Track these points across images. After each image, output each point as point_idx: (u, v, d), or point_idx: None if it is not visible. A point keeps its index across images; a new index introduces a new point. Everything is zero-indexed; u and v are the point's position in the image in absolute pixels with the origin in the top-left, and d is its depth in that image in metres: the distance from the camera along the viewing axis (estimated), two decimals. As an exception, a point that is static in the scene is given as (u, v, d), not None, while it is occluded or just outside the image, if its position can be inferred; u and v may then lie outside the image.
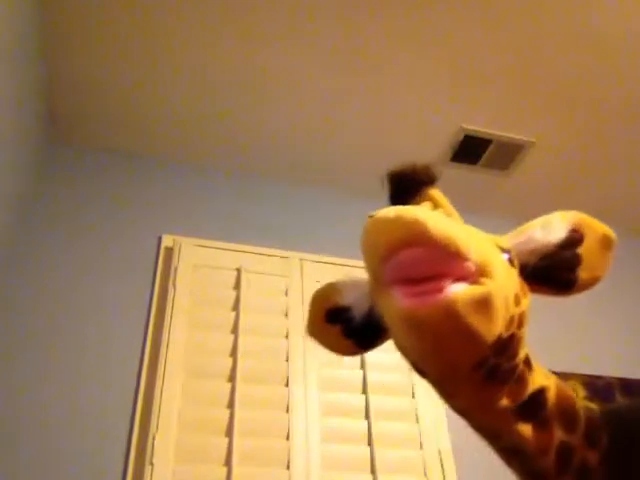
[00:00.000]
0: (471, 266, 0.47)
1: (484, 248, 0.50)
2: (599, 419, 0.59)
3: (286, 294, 2.04)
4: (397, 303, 0.47)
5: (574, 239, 0.61)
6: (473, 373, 0.50)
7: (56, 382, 1.69)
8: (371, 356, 1.96)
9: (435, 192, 0.62)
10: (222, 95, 2.08)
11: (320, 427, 1.77)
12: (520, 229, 0.62)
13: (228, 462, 1.62)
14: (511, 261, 0.55)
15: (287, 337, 1.93)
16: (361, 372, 1.92)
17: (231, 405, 1.72)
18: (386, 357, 1.98)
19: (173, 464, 1.59)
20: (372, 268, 0.50)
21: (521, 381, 0.56)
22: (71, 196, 2.10)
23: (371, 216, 0.49)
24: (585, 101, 2.15)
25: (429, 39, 1.91)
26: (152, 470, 1.56)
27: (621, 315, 2.54)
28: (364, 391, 1.88)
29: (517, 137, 2.27)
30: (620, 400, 2.17)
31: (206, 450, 1.64)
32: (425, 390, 1.95)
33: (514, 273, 0.54)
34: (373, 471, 1.72)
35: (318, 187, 2.49)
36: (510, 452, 0.58)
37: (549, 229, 0.61)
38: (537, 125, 2.23)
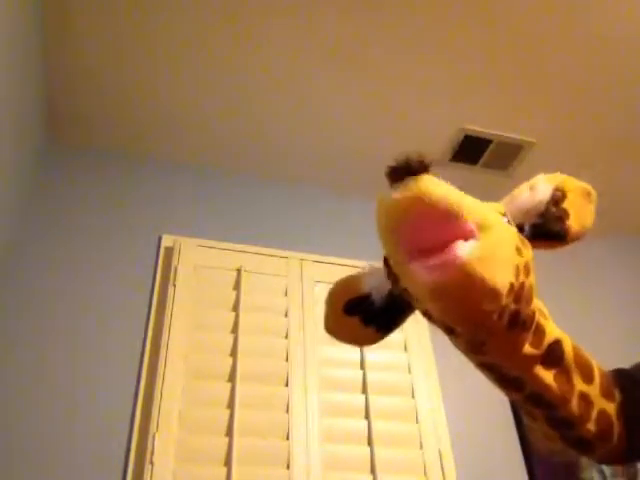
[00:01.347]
0: (470, 224, 0.52)
1: (478, 206, 0.55)
2: (610, 376, 0.65)
3: (286, 294, 2.04)
4: (420, 279, 0.52)
5: (558, 196, 0.68)
6: (497, 322, 0.56)
7: (55, 382, 1.69)
8: (371, 356, 1.96)
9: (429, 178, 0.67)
10: (222, 95, 2.08)
11: (320, 427, 1.77)
12: (511, 194, 0.70)
13: (228, 462, 1.62)
14: (509, 222, 0.61)
15: (287, 337, 1.93)
16: (361, 372, 1.92)
17: (231, 405, 1.72)
18: (386, 357, 1.98)
19: (173, 464, 1.59)
20: (390, 252, 0.56)
21: (539, 330, 0.62)
22: (71, 196, 2.10)
23: (380, 200, 0.56)
24: (585, 101, 2.15)
25: (429, 40, 1.92)
26: (152, 470, 1.56)
27: (621, 315, 2.54)
28: (364, 391, 1.88)
29: (517, 137, 2.27)
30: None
31: (206, 450, 1.64)
32: (425, 390, 1.96)
33: (511, 228, 0.60)
34: (373, 471, 1.72)
35: (318, 187, 2.49)
36: (534, 401, 0.62)
37: (536, 191, 0.69)
38: (537, 125, 2.23)
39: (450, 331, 0.60)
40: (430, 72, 2.02)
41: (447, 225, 0.52)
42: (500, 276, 0.52)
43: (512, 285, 0.54)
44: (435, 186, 0.52)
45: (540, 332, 0.62)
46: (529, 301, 0.59)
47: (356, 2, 1.80)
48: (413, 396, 1.93)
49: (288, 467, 1.67)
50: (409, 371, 1.98)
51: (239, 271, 2.03)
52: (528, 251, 0.60)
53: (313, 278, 2.11)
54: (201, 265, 2.01)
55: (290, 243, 2.23)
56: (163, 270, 1.99)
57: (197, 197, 2.26)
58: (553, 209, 0.67)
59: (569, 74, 2.05)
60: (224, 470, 1.60)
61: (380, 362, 1.96)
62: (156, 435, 1.62)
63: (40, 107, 1.99)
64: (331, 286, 0.76)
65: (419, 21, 1.86)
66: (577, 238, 0.68)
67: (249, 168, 2.39)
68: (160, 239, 2.07)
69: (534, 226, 0.66)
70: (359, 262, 2.24)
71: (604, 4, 1.82)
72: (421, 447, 1.82)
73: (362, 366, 1.94)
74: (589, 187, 0.72)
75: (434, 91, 2.09)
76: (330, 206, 2.45)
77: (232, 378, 1.77)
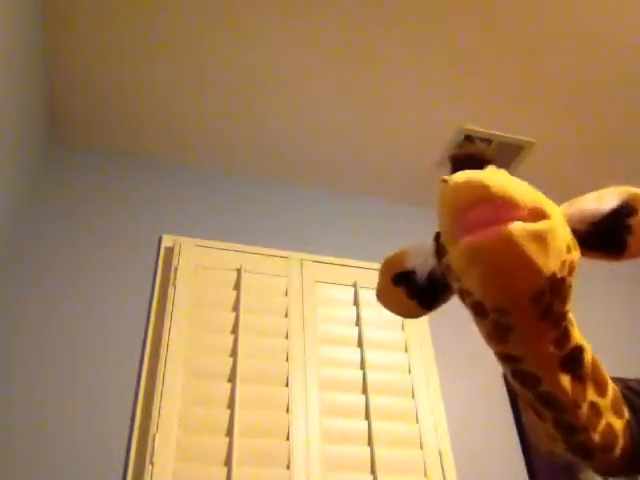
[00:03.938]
0: (528, 212, 0.53)
1: (541, 197, 0.56)
2: (620, 392, 0.66)
3: (286, 294, 2.04)
4: (462, 243, 0.53)
5: (626, 210, 0.64)
6: (530, 306, 0.56)
7: (55, 382, 1.69)
8: (371, 356, 1.96)
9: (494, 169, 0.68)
10: (222, 95, 2.08)
11: (320, 427, 1.77)
12: (573, 200, 0.67)
13: (228, 462, 1.62)
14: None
15: (287, 337, 1.93)
16: (361, 372, 1.92)
17: (231, 405, 1.72)
18: (386, 357, 1.98)
19: (173, 464, 1.59)
20: (446, 228, 0.57)
21: (566, 332, 0.61)
22: (71, 196, 2.10)
23: (444, 180, 0.57)
24: (585, 101, 2.15)
25: (429, 39, 1.92)
26: (152, 470, 1.56)
27: (621, 315, 2.54)
28: (364, 391, 1.88)
29: (517, 137, 2.27)
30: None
31: (206, 450, 1.64)
32: (425, 390, 1.96)
33: (567, 227, 0.60)
34: (373, 471, 1.72)
35: (318, 187, 2.49)
36: (545, 401, 0.63)
37: (601, 200, 0.65)
38: (537, 125, 2.23)
39: (480, 311, 0.60)
40: (430, 72, 2.02)
41: (507, 210, 0.53)
42: (545, 260, 0.53)
43: (554, 275, 0.55)
44: (502, 177, 0.54)
45: (566, 335, 0.62)
46: (565, 300, 0.59)
47: (356, 3, 1.80)
48: (413, 396, 1.93)
49: (288, 467, 1.67)
50: (409, 371, 1.98)
51: (239, 271, 2.03)
52: (577, 253, 0.60)
53: (313, 278, 2.11)
54: (201, 265, 2.01)
55: (290, 243, 2.23)
56: (163, 270, 1.99)
57: (197, 197, 2.26)
58: (615, 221, 0.64)
59: (569, 74, 2.05)
60: (224, 470, 1.60)
61: (380, 362, 1.96)
62: (156, 435, 1.62)
63: (41, 107, 1.99)
64: (386, 256, 0.79)
65: (419, 21, 1.86)
66: (634, 257, 0.65)
67: (249, 168, 2.39)
68: (160, 239, 2.08)
69: (591, 234, 0.64)
70: (359, 262, 2.24)
71: (604, 4, 1.82)
72: (421, 447, 1.82)
73: (362, 366, 1.94)
74: None
75: (434, 91, 2.09)
76: (330, 206, 2.45)
77: (232, 378, 1.78)
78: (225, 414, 1.70)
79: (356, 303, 2.09)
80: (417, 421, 1.87)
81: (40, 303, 1.82)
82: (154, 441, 1.61)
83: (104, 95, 2.06)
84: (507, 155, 2.33)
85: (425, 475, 1.77)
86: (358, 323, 2.04)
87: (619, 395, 0.66)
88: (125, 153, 2.29)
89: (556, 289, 0.56)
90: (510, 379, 0.65)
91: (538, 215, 0.54)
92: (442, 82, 2.06)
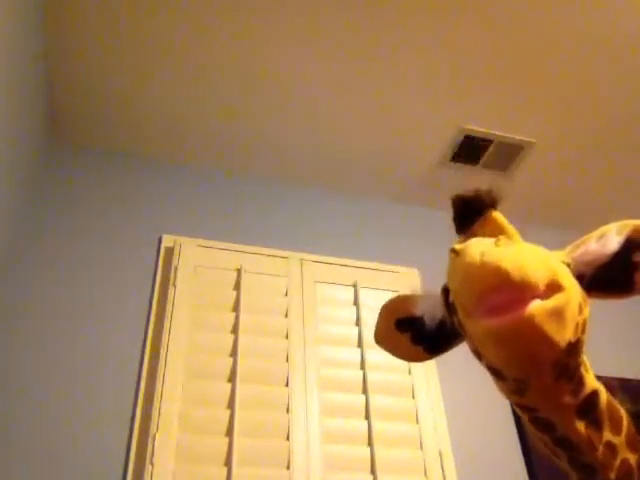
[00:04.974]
0: (544, 287, 0.56)
1: (553, 267, 0.59)
2: (636, 426, 0.69)
3: (286, 294, 2.04)
4: (485, 324, 0.56)
5: (630, 246, 0.65)
6: (548, 373, 0.59)
7: (55, 382, 1.68)
8: (371, 356, 1.96)
9: (497, 215, 0.70)
10: (222, 95, 2.08)
11: (320, 427, 1.77)
12: (577, 242, 0.69)
13: (228, 462, 1.62)
14: (570, 271, 0.63)
15: (287, 337, 1.93)
16: (361, 372, 1.92)
17: (231, 405, 1.72)
18: (386, 357, 1.98)
19: (173, 464, 1.59)
20: (463, 302, 0.60)
21: (580, 381, 0.64)
22: (71, 196, 2.10)
23: (454, 251, 0.60)
24: (585, 102, 2.15)
25: (429, 40, 1.92)
26: (152, 470, 1.56)
27: (621, 315, 2.54)
28: (364, 391, 1.88)
29: (517, 137, 2.27)
30: (620, 400, 2.17)
31: (206, 450, 1.64)
32: (425, 390, 1.95)
33: (577, 286, 0.62)
34: (373, 471, 1.72)
35: (318, 187, 2.49)
36: (561, 444, 0.66)
37: (604, 240, 0.67)
38: (537, 125, 2.23)
39: (499, 375, 0.62)
40: (430, 72, 2.02)
41: (525, 292, 0.55)
42: (562, 333, 0.56)
43: (570, 342, 0.58)
44: (515, 256, 0.56)
45: (581, 384, 0.64)
46: (579, 355, 0.62)
47: (357, 3, 1.80)
48: (413, 396, 1.93)
49: (288, 467, 1.67)
50: (409, 371, 1.98)
51: (239, 271, 2.03)
52: (587, 309, 0.63)
53: (313, 278, 2.11)
54: (201, 265, 2.01)
55: (290, 243, 2.23)
56: (163, 270, 1.99)
57: (197, 197, 2.26)
58: (620, 261, 0.66)
59: (569, 74, 2.05)
60: (224, 470, 1.60)
61: (380, 362, 1.96)
62: (156, 435, 1.62)
63: (41, 107, 1.99)
64: (386, 300, 0.81)
65: (419, 21, 1.86)
66: None
67: (249, 168, 2.39)
68: (160, 239, 2.08)
69: (597, 277, 0.66)
70: (359, 262, 2.24)
71: (604, 4, 1.82)
72: (421, 447, 1.82)
73: (362, 366, 1.93)
74: None
75: (434, 91, 2.09)
76: (330, 206, 2.45)
77: (232, 378, 1.77)
78: (225, 414, 1.70)
79: (356, 303, 2.09)
80: (417, 421, 1.87)
81: (40, 303, 1.82)
82: (154, 441, 1.61)
83: (104, 95, 2.06)
84: (507, 155, 2.33)
85: (425, 475, 1.77)
86: (358, 323, 2.04)
87: (633, 428, 0.68)
88: (125, 153, 2.29)
89: (572, 351, 0.59)
90: (527, 423, 0.67)
91: (554, 288, 0.57)
92: (442, 82, 2.06)
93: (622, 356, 2.38)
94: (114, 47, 1.90)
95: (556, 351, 0.56)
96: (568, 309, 0.57)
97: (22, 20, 1.61)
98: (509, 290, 0.55)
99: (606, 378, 2.24)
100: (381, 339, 0.79)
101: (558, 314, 0.56)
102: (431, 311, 0.74)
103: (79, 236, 2.01)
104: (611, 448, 0.64)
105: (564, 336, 0.56)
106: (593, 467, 0.64)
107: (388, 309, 0.79)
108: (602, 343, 2.40)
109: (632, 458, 0.66)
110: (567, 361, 0.59)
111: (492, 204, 0.70)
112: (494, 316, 0.55)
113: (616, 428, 0.66)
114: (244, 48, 1.92)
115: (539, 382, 0.60)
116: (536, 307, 0.54)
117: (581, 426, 0.63)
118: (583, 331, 0.61)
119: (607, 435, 0.65)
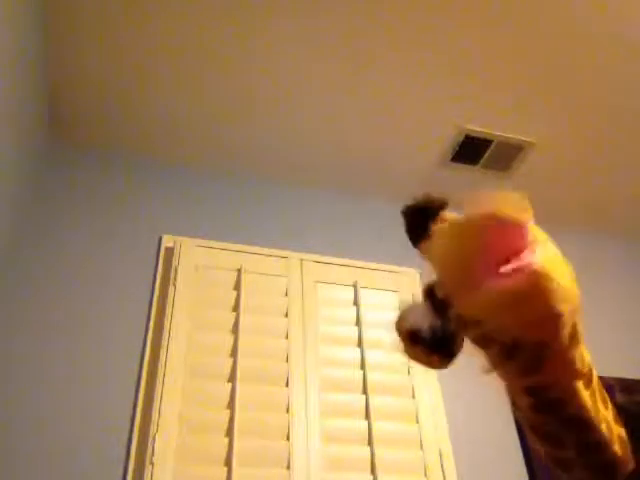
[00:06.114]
0: (531, 236, 0.56)
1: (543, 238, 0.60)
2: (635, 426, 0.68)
3: (286, 294, 2.04)
4: (499, 286, 0.55)
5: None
6: (564, 331, 0.59)
7: (55, 382, 1.68)
8: (371, 356, 1.96)
9: (449, 215, 0.70)
10: (222, 95, 2.08)
11: (320, 427, 1.77)
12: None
13: (228, 462, 1.62)
14: None
15: (287, 337, 1.93)
16: (361, 372, 1.92)
17: (231, 405, 1.72)
18: (386, 357, 1.98)
19: (173, 464, 1.59)
20: (464, 281, 0.59)
21: (584, 350, 0.64)
22: (71, 196, 2.10)
23: (445, 229, 0.60)
24: (585, 102, 2.15)
25: (430, 40, 1.92)
26: (152, 470, 1.56)
27: (621, 315, 2.54)
28: (364, 391, 1.88)
29: (517, 137, 2.27)
30: (621, 400, 2.17)
31: (206, 450, 1.64)
32: (425, 390, 1.95)
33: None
34: (373, 471, 1.72)
35: (318, 187, 2.49)
36: (570, 423, 0.64)
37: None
38: (537, 125, 2.23)
39: (511, 352, 0.61)
40: (430, 72, 2.02)
41: (516, 237, 0.55)
42: (566, 280, 0.57)
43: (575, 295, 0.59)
44: (499, 200, 0.57)
45: (585, 352, 0.65)
46: (580, 317, 0.63)
47: (357, 4, 1.80)
48: (413, 396, 1.93)
49: (288, 467, 1.67)
50: (409, 372, 1.98)
51: (239, 271, 2.03)
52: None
53: (313, 278, 2.11)
54: (201, 265, 2.01)
55: (290, 243, 2.23)
56: (163, 270, 1.99)
57: (197, 197, 2.26)
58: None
59: (569, 74, 2.05)
60: (224, 470, 1.60)
61: (380, 362, 1.96)
62: (156, 436, 1.62)
63: (41, 107, 1.99)
64: (396, 317, 0.81)
65: (420, 21, 1.86)
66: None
67: (249, 168, 2.39)
68: (160, 239, 2.08)
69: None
70: (359, 262, 2.24)
71: (605, 4, 1.82)
72: (421, 447, 1.82)
73: (362, 366, 1.93)
74: None
75: (434, 91, 2.09)
76: (330, 206, 2.45)
77: (232, 378, 1.78)
78: (225, 414, 1.70)
79: (356, 303, 2.09)
80: (417, 421, 1.87)
81: (40, 303, 1.82)
82: (154, 441, 1.61)
83: (104, 95, 2.06)
84: (507, 155, 2.33)
85: (425, 475, 1.77)
86: (358, 323, 2.03)
87: (615, 404, 0.69)
88: (125, 153, 2.29)
89: (575, 309, 0.60)
90: (529, 412, 0.65)
91: (535, 240, 0.57)
92: (442, 82, 2.06)
93: (622, 356, 2.38)
94: (114, 47, 1.90)
95: (571, 294, 0.56)
96: (557, 259, 0.58)
97: (23, 20, 1.61)
98: (510, 231, 0.55)
99: (606, 378, 2.24)
100: (408, 357, 0.79)
101: (555, 262, 0.56)
102: (421, 321, 0.74)
103: (79, 236, 2.01)
104: (607, 423, 0.64)
105: (568, 282, 0.57)
106: (601, 443, 0.63)
107: (396, 328, 0.79)
108: (602, 343, 2.40)
109: (622, 432, 0.66)
110: (575, 320, 0.60)
111: (441, 205, 0.70)
112: (506, 277, 0.55)
113: (605, 403, 0.66)
114: (244, 49, 1.92)
115: (557, 345, 0.59)
116: (538, 257, 0.55)
117: (588, 398, 0.63)
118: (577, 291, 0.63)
119: (602, 409, 0.65)
